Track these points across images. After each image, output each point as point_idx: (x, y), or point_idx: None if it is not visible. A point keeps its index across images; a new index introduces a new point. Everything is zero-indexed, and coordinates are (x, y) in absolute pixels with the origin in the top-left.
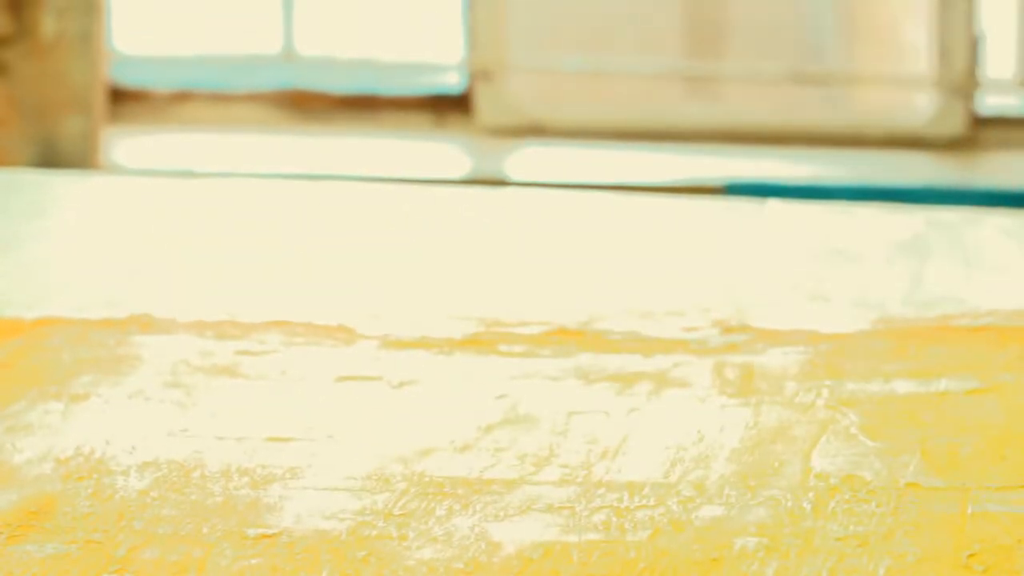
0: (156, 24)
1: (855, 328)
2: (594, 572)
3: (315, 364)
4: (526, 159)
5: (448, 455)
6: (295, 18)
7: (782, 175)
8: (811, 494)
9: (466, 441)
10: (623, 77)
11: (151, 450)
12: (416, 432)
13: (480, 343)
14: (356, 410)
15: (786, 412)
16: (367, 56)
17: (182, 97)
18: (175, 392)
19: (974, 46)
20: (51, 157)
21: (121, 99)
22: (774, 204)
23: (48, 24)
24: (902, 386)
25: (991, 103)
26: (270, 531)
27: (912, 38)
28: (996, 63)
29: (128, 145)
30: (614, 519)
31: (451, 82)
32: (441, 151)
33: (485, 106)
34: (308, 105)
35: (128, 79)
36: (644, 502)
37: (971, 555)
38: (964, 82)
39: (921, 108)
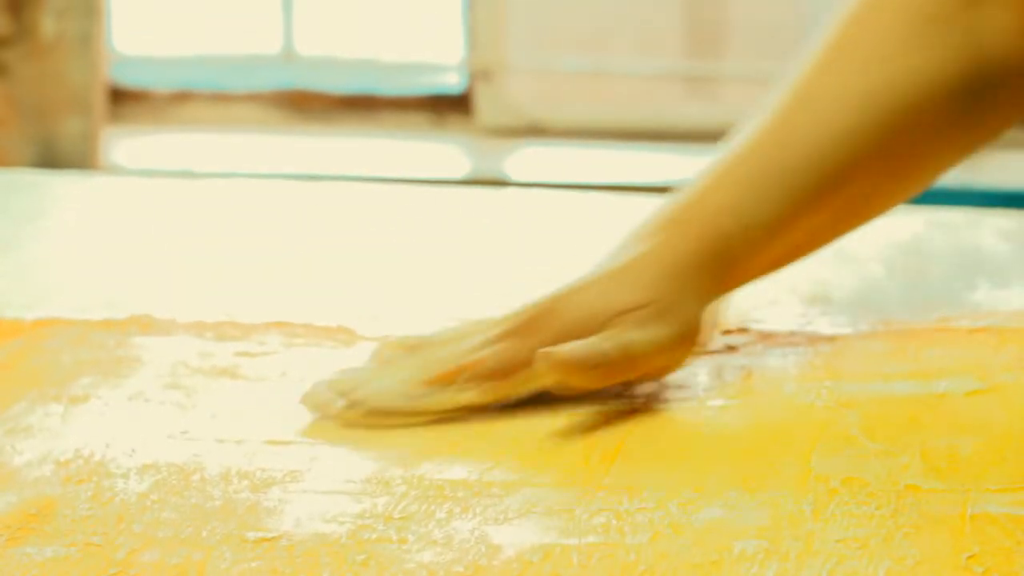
0: (156, 25)
1: (854, 329)
2: (594, 575)
3: (315, 365)
4: (526, 159)
5: (448, 457)
6: (295, 18)
7: None
8: (811, 496)
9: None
10: (622, 77)
11: (151, 453)
12: (416, 433)
13: None
14: None
15: (785, 413)
16: (367, 56)
17: (182, 97)
18: (175, 394)
19: None
20: (51, 158)
21: (121, 99)
22: None
23: (48, 25)
24: (902, 387)
25: None
26: (270, 534)
27: None
28: None
29: (128, 145)
30: (614, 522)
31: (451, 82)
32: (441, 151)
33: (485, 106)
34: (308, 105)
35: (128, 79)
36: (643, 505)
37: (971, 557)
38: None
39: None
